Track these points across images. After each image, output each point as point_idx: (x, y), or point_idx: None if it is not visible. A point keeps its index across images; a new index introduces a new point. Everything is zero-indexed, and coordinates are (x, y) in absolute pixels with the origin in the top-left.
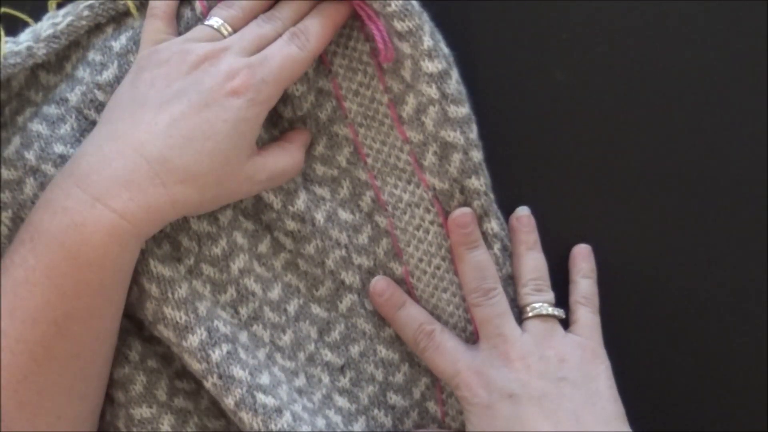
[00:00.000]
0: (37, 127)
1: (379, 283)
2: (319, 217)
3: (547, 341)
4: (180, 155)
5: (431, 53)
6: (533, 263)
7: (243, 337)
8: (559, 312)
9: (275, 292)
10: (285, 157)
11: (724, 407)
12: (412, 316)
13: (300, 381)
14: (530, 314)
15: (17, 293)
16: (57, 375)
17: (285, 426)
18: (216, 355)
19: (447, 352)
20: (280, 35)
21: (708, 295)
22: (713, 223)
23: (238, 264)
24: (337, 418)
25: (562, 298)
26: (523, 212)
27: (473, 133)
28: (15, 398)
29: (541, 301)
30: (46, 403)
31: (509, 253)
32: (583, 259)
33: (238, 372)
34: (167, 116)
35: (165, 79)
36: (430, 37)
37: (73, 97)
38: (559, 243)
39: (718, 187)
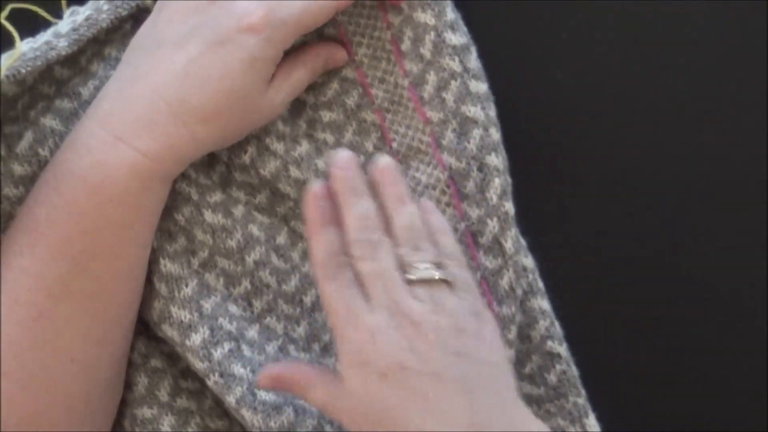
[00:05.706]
0: (51, 122)
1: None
2: None
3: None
4: (198, 95)
5: (453, 26)
6: (407, 219)
7: (252, 331)
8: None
9: (292, 284)
10: (301, 71)
11: (724, 407)
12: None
13: None
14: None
15: (39, 230)
16: (73, 314)
17: (285, 423)
18: (218, 353)
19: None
20: None
21: (708, 294)
22: (713, 223)
23: (253, 256)
24: None
25: (558, 302)
26: (382, 162)
27: (492, 112)
28: (29, 336)
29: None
30: (60, 343)
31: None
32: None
33: (239, 370)
34: (184, 56)
35: (181, 14)
36: (452, 10)
37: (86, 91)
38: (559, 243)
39: (718, 186)
